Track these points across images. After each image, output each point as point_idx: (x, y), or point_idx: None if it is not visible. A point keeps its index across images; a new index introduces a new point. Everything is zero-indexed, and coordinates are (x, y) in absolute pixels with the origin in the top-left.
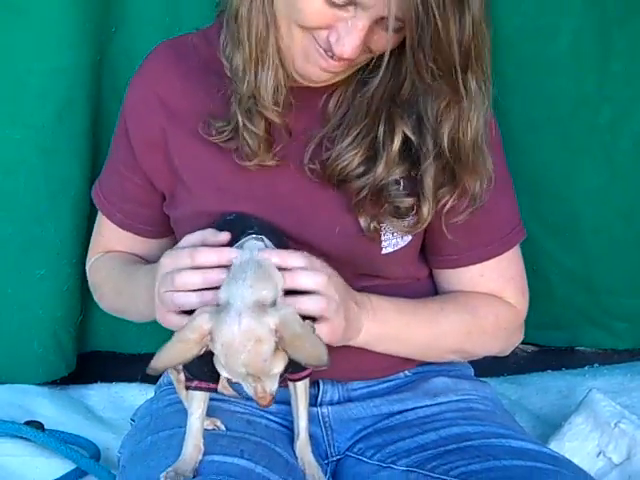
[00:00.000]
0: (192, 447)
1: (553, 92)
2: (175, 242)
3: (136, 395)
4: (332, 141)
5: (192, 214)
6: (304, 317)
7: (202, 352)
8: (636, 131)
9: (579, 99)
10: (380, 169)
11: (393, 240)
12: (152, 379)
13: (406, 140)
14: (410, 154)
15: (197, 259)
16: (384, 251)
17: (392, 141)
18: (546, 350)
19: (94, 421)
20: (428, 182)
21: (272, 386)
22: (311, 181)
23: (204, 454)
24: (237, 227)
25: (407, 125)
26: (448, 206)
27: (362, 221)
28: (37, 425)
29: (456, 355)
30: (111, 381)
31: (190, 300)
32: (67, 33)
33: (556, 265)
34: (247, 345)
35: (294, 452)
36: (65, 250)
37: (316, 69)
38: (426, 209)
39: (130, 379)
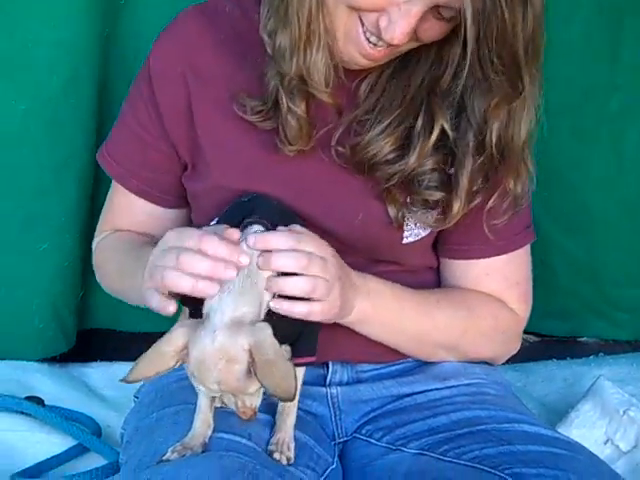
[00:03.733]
0: (201, 422)
1: (564, 80)
2: (190, 221)
3: None
4: (362, 125)
5: (212, 188)
6: (296, 298)
7: (178, 365)
8: None
9: (589, 88)
10: (413, 159)
11: (415, 230)
12: None
13: (443, 133)
14: (445, 147)
15: (204, 245)
16: (405, 240)
17: (430, 133)
18: (548, 341)
19: (94, 399)
20: (463, 180)
21: (253, 401)
22: (338, 166)
23: (213, 431)
24: (245, 212)
25: (446, 118)
26: (489, 206)
27: (390, 210)
28: (37, 400)
29: (449, 353)
30: (110, 359)
31: (181, 283)
32: (75, 4)
33: (562, 254)
34: (218, 364)
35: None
36: (68, 225)
37: (356, 54)
38: (457, 206)
39: (129, 358)
